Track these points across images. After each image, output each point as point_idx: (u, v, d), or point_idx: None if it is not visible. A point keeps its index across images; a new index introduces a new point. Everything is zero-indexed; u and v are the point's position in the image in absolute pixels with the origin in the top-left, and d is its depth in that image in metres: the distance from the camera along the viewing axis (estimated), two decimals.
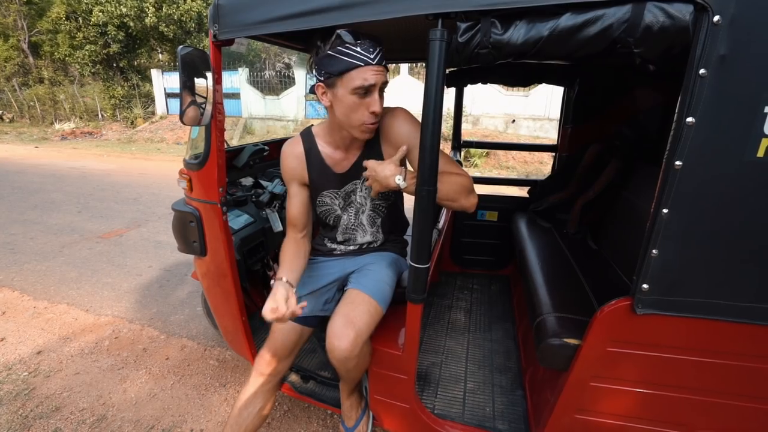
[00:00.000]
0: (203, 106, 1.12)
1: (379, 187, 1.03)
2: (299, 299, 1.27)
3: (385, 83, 1.04)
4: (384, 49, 1.03)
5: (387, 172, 1.00)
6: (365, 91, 1.01)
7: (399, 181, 0.99)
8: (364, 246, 1.36)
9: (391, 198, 1.28)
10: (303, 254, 1.26)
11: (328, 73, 1.01)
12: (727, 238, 0.85)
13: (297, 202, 1.25)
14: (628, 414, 1.06)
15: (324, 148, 1.20)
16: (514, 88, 9.16)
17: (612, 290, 1.31)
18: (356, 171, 1.21)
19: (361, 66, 0.98)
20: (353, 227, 1.31)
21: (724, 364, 0.95)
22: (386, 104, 1.12)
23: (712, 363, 0.96)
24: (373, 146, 1.18)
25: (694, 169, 0.81)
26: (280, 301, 1.05)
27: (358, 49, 0.97)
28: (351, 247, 1.36)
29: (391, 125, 1.15)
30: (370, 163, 1.04)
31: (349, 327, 1.10)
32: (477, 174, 4.63)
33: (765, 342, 0.91)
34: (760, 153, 0.77)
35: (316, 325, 1.31)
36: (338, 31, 0.98)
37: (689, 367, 0.97)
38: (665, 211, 0.84)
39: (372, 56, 0.98)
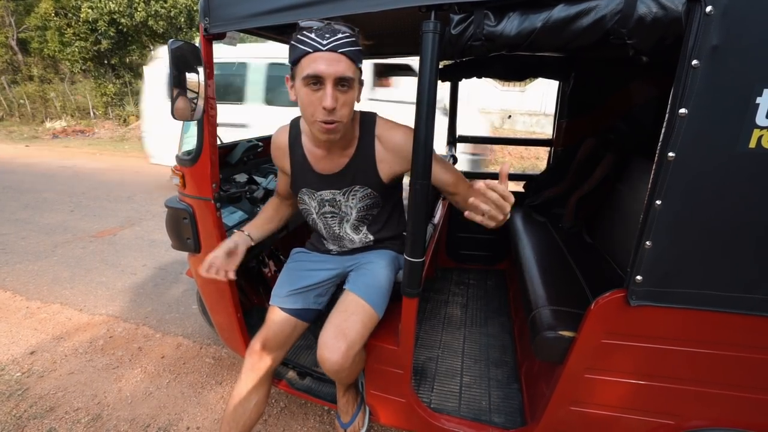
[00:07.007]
0: (195, 101, 1.10)
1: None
2: (296, 293, 1.26)
3: (344, 78, 0.92)
4: (353, 39, 0.93)
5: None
6: (316, 82, 0.92)
7: None
8: (358, 248, 1.35)
9: (378, 206, 1.23)
10: (278, 220, 1.37)
11: (290, 64, 0.97)
12: (719, 229, 0.85)
13: (284, 183, 1.30)
14: (622, 405, 1.07)
15: (306, 143, 1.16)
16: (510, 84, 9.19)
17: (606, 283, 1.31)
18: (339, 179, 1.15)
19: (310, 52, 0.89)
20: (339, 236, 1.29)
21: (717, 354, 0.96)
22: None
23: (706, 353, 0.97)
24: (366, 148, 1.12)
25: (687, 160, 0.81)
26: (220, 256, 1.13)
27: (313, 35, 0.89)
28: (346, 248, 1.35)
29: (386, 129, 1.12)
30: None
31: (340, 339, 1.07)
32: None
33: (757, 332, 0.92)
34: (752, 144, 0.78)
35: (312, 320, 1.30)
36: (299, 21, 0.93)
37: (683, 357, 0.98)
38: (658, 202, 0.85)
39: (324, 42, 0.89)
